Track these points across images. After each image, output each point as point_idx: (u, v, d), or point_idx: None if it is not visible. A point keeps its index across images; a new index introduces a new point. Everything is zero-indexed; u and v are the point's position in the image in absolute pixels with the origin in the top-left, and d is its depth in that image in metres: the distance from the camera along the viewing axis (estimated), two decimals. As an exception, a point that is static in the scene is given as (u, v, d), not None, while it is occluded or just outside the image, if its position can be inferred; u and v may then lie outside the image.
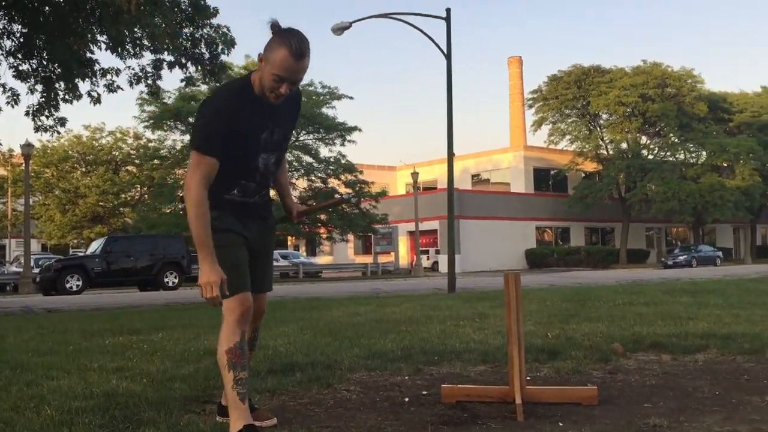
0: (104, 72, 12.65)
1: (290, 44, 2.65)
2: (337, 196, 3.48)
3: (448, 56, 16.22)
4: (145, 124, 30.67)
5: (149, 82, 12.41)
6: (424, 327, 6.46)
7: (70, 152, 41.51)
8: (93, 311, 11.67)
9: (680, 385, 3.87)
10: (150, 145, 38.79)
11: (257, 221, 3.03)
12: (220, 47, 12.38)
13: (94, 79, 12.65)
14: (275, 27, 2.74)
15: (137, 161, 42.11)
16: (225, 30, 12.31)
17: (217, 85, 13.29)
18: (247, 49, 33.26)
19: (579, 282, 21.62)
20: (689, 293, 11.64)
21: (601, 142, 47.36)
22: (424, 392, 3.81)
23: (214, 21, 12.13)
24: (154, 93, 13.02)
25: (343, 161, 31.76)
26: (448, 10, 16.12)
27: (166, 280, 23.91)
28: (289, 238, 40.99)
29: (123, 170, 43.55)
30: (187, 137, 31.70)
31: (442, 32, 16.46)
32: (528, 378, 4.04)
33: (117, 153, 43.17)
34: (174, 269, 24.28)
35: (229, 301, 2.78)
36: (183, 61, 12.32)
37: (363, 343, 5.38)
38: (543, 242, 47.89)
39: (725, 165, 45.07)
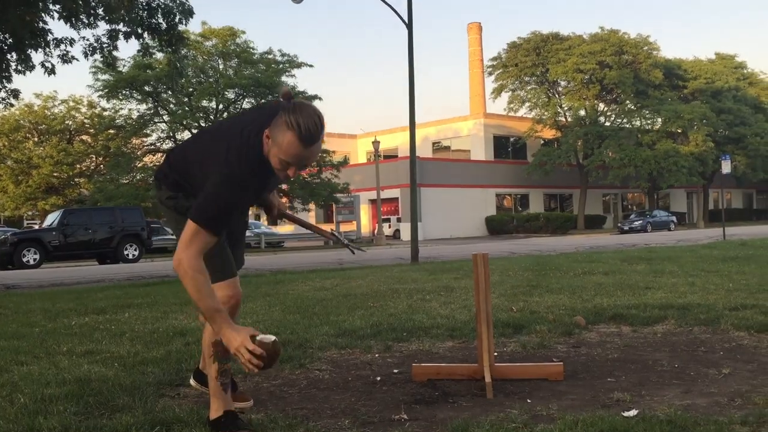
0: (58, 42, 12.33)
1: (299, 129, 2.39)
2: (329, 231, 3.31)
3: (409, 25, 16.14)
4: (100, 93, 29.99)
5: (105, 53, 12.12)
6: (391, 302, 6.55)
7: (21, 122, 40.40)
8: (53, 288, 11.52)
9: (641, 358, 4.02)
10: (105, 114, 37.93)
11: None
12: (178, 17, 12.14)
13: (47, 49, 12.32)
14: (287, 97, 2.48)
15: (92, 131, 41.17)
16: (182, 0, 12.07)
17: (171, 52, 13.02)
18: (203, 16, 32.67)
19: (539, 249, 22.00)
20: (646, 261, 11.95)
21: (559, 110, 47.85)
22: (395, 371, 3.89)
23: (171, -10, 11.89)
24: (110, 64, 12.73)
25: (303, 130, 31.44)
26: (409, -21, 15.99)
27: (126, 252, 23.63)
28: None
29: (77, 140, 42.56)
30: (143, 106, 31.11)
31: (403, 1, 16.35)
32: (495, 354, 4.14)
33: (70, 122, 42.12)
34: (134, 241, 23.99)
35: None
36: (139, 31, 12.05)
37: (332, 320, 5.45)
38: (503, 209, 48.45)
39: (679, 131, 45.94)
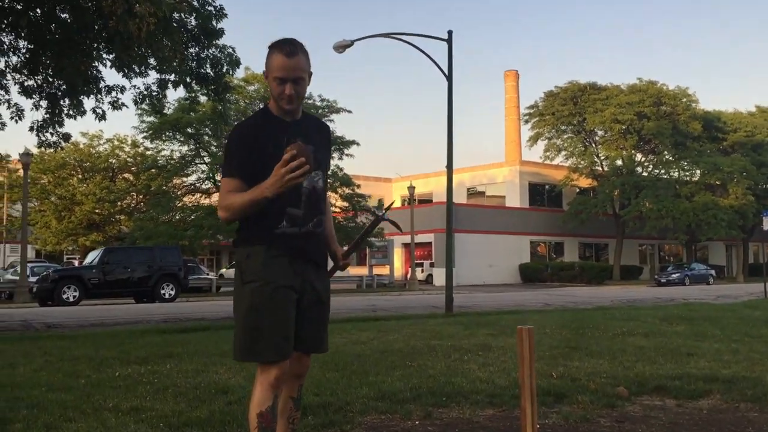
0: (109, 89, 12.72)
1: (280, 46, 2.82)
2: (371, 218, 3.24)
3: (449, 77, 16.35)
4: (144, 134, 30.74)
5: (153, 101, 12.48)
6: (429, 361, 6.53)
7: (67, 159, 41.46)
8: (94, 329, 11.71)
9: (687, 438, 3.96)
10: (148, 153, 38.80)
11: (312, 266, 2.94)
12: (225, 67, 12.48)
13: (99, 96, 12.71)
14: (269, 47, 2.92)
15: (134, 169, 42.08)
16: (230, 50, 12.42)
17: (217, 100, 13.37)
18: (247, 61, 33.47)
19: (574, 301, 21.74)
20: (686, 321, 11.76)
21: (596, 159, 47.66)
22: (438, 442, 3.88)
23: (219, 41, 12.25)
24: (159, 111, 13.08)
25: (340, 174, 31.89)
26: (449, 32, 16.26)
27: (162, 291, 23.93)
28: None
29: (120, 178, 43.52)
30: (185, 147, 31.79)
31: (442, 50, 16.56)
32: (537, 426, 4.11)
33: (114, 161, 43.14)
34: (171, 281, 24.31)
35: (266, 364, 2.77)
36: (188, 80, 12.40)
37: (371, 381, 5.45)
38: (537, 257, 48.07)
39: (718, 183, 45.35)
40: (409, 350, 7.35)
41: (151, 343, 7.96)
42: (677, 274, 41.73)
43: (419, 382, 5.45)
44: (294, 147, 2.67)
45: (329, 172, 3.07)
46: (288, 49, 2.81)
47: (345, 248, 3.21)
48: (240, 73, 31.46)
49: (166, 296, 23.94)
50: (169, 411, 4.41)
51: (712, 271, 44.81)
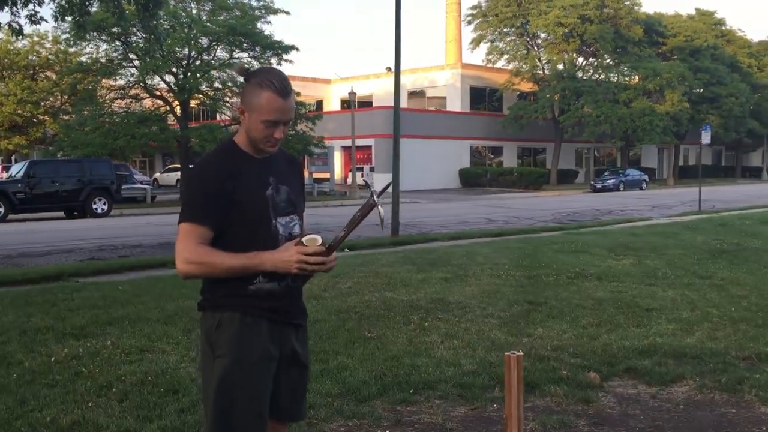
0: (26, 2, 11.47)
1: (272, 84, 2.40)
2: (366, 201, 2.56)
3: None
4: (66, 36, 28.60)
5: (76, 17, 11.32)
6: (388, 330, 6.25)
7: (-18, 57, 38.64)
8: (21, 259, 11.03)
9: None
10: (71, 50, 36.25)
11: (292, 328, 2.56)
12: (156, -22, 11.34)
13: (14, 8, 11.47)
14: (244, 72, 2.50)
15: (57, 68, 39.51)
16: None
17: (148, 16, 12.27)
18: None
19: (516, 216, 21.87)
20: (632, 251, 11.85)
21: (538, 63, 47.26)
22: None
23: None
24: (81, 26, 11.91)
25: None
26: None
27: (94, 206, 22.97)
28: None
29: (42, 77, 40.90)
30: (111, 49, 29.87)
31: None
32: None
33: (34, 57, 40.38)
34: (102, 195, 23.33)
35: None
36: (114, -7, 11.26)
37: (332, 367, 5.13)
38: (477, 161, 48.20)
39: (657, 89, 45.76)
40: (366, 310, 7.05)
41: (88, 302, 7.42)
42: (612, 180, 42.58)
43: (383, 367, 5.16)
44: (319, 246, 2.38)
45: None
46: (282, 88, 2.42)
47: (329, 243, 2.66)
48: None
49: (99, 211, 23.01)
50: (115, 427, 4.00)
51: (646, 176, 45.91)
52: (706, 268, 10.01)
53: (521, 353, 3.32)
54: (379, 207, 2.55)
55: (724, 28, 57.32)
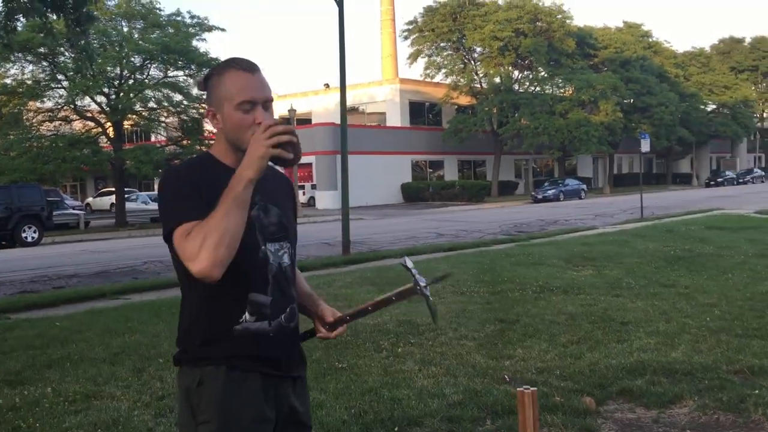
0: (-58, 17, 10.63)
1: (233, 63, 2.06)
2: (407, 286, 2.17)
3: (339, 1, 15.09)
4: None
5: (1, 33, 10.55)
6: (360, 359, 5.80)
7: None
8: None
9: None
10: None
11: (290, 382, 2.11)
12: (87, -8, 10.68)
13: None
14: (202, 80, 2.12)
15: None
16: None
17: (79, 32, 11.57)
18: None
19: (464, 229, 21.69)
20: (589, 261, 11.72)
21: (475, 76, 47.66)
22: None
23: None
24: (7, 46, 11.13)
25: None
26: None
27: (24, 235, 21.77)
28: (156, 180, 38.62)
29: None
30: (39, 70, 28.60)
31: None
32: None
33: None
34: (33, 222, 22.14)
35: None
36: (42, 8, 10.53)
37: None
38: (418, 176, 48.17)
39: (590, 101, 46.68)
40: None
41: (22, 342, 6.73)
42: (552, 190, 43.08)
43: (361, 402, 4.71)
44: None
45: None
46: (246, 64, 2.06)
47: (338, 314, 2.27)
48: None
49: (29, 239, 21.82)
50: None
51: (584, 186, 46.68)
52: (667, 276, 9.90)
53: (534, 389, 2.93)
54: (429, 298, 2.22)
55: (651, 39, 59.16)
